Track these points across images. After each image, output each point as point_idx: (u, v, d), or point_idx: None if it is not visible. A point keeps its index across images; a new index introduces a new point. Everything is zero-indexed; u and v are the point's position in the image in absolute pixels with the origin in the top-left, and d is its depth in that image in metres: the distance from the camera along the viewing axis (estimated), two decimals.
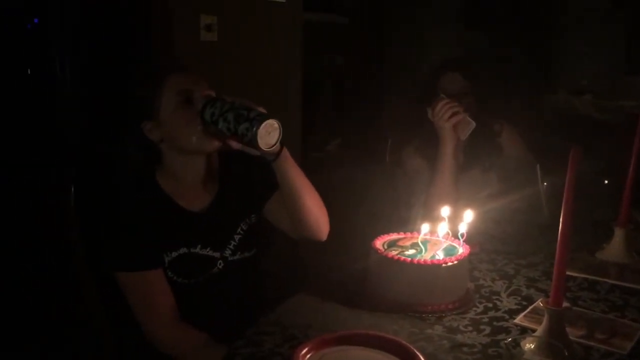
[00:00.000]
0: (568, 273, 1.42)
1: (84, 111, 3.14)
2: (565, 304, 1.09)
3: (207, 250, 1.47)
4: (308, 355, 1.02)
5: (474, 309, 1.30)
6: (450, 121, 1.92)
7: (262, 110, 1.33)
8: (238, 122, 1.30)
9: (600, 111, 3.43)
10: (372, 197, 2.36)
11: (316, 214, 1.52)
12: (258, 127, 1.28)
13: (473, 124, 1.92)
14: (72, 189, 1.50)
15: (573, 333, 1.16)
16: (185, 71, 1.47)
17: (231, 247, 1.51)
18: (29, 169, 3.03)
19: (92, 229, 1.45)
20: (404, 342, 1.06)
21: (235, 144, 1.38)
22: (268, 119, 1.30)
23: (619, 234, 1.60)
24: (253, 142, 1.30)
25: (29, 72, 3.25)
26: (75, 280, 1.52)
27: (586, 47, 3.60)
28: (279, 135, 1.33)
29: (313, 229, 1.53)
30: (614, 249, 1.60)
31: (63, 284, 1.91)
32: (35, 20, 3.25)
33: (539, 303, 1.28)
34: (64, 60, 3.14)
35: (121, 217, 1.42)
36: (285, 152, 1.41)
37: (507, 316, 1.27)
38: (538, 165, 1.86)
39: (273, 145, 1.33)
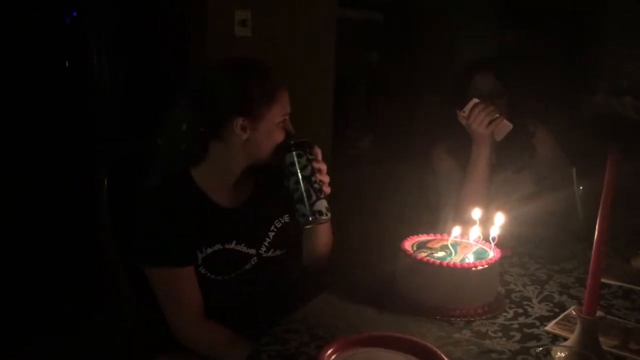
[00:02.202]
0: (602, 280, 1.38)
1: (120, 104, 3.19)
2: (599, 313, 1.06)
3: (242, 246, 1.48)
4: (333, 356, 1.02)
5: (504, 314, 1.28)
6: (489, 128, 1.88)
7: (327, 190, 1.44)
8: (305, 198, 1.41)
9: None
10: (402, 196, 2.34)
11: (323, 253, 1.62)
12: (311, 223, 1.43)
13: (510, 126, 1.88)
14: (106, 182, 1.52)
15: (606, 343, 1.13)
16: (286, 88, 1.48)
17: (266, 244, 1.52)
18: (64, 162, 3.09)
19: (125, 222, 1.47)
20: (431, 345, 1.05)
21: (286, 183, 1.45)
22: (325, 219, 1.43)
23: None
24: (300, 223, 1.44)
25: (66, 65, 3.30)
26: (107, 272, 1.54)
27: (627, 46, 3.51)
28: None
29: (313, 261, 1.64)
30: None
31: (95, 276, 1.94)
32: (74, 14, 3.31)
33: (572, 311, 1.26)
34: (102, 54, 3.18)
35: (155, 212, 1.42)
36: None
37: (538, 323, 1.24)
38: (574, 169, 1.81)
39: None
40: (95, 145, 3.10)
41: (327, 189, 1.44)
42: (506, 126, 1.89)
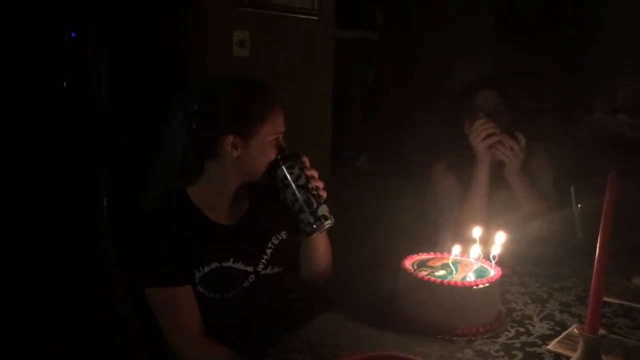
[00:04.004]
0: (604, 299, 1.38)
1: (118, 124, 3.20)
2: (601, 331, 1.06)
3: (239, 264, 1.47)
4: None
5: (506, 333, 1.27)
6: (485, 142, 1.90)
7: (324, 195, 1.43)
8: (306, 207, 1.41)
9: (636, 131, 3.36)
10: (401, 214, 2.34)
11: (324, 268, 1.63)
12: (317, 230, 1.42)
13: (516, 152, 1.90)
14: (105, 202, 1.52)
15: None
16: (282, 108, 1.48)
17: (264, 261, 1.51)
18: (62, 181, 3.09)
19: (125, 242, 1.46)
20: None
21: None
22: (331, 222, 1.42)
23: None
24: (306, 233, 1.43)
25: (64, 85, 3.32)
26: (108, 290, 1.53)
27: (624, 63, 3.54)
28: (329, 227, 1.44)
29: (314, 279, 1.64)
30: None
31: (97, 296, 1.93)
32: (73, 35, 3.33)
33: (574, 329, 1.25)
34: (100, 74, 3.20)
35: (152, 232, 1.42)
36: None
37: (539, 342, 1.24)
38: (572, 187, 1.82)
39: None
40: (94, 164, 3.11)
41: (324, 194, 1.45)
42: (511, 144, 1.91)
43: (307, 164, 1.47)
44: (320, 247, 1.59)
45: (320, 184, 1.46)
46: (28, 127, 3.12)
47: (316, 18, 3.00)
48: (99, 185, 1.58)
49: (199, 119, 1.43)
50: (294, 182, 1.42)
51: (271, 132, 1.44)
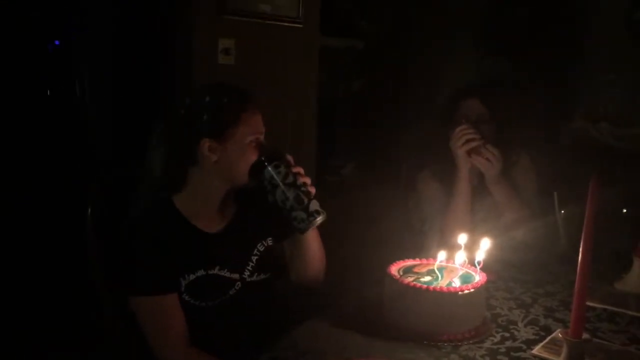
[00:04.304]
0: (587, 303, 1.39)
1: (102, 132, 3.18)
2: (585, 335, 1.07)
3: (225, 271, 1.46)
4: None
5: (491, 338, 1.28)
6: (464, 147, 1.92)
7: (313, 190, 1.43)
8: (297, 204, 1.39)
9: (617, 139, 3.41)
10: (387, 222, 2.35)
11: (318, 268, 1.62)
12: (312, 225, 1.41)
13: (492, 163, 1.92)
14: (89, 211, 1.51)
15: None
16: (258, 110, 1.48)
17: (249, 268, 1.51)
18: (45, 189, 3.06)
19: (109, 251, 1.45)
20: None
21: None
22: (323, 216, 1.41)
23: (638, 264, 1.57)
24: (300, 230, 1.43)
25: (48, 94, 3.30)
26: (94, 297, 1.52)
27: (605, 74, 3.59)
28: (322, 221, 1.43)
29: (310, 278, 1.63)
30: (633, 279, 1.58)
31: (80, 300, 1.92)
32: (57, 42, 3.31)
33: (558, 334, 1.26)
34: (84, 82, 3.18)
35: (138, 240, 1.41)
36: None
37: (524, 346, 1.25)
38: (555, 194, 1.84)
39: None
40: (79, 172, 3.08)
41: (313, 190, 1.44)
42: (487, 154, 1.92)
43: (292, 161, 1.46)
44: (313, 246, 1.58)
45: (308, 180, 1.44)
46: (12, 135, 3.10)
47: (301, 26, 3.01)
48: (85, 193, 1.57)
49: (174, 126, 1.45)
50: (281, 181, 1.41)
51: (247, 133, 1.44)
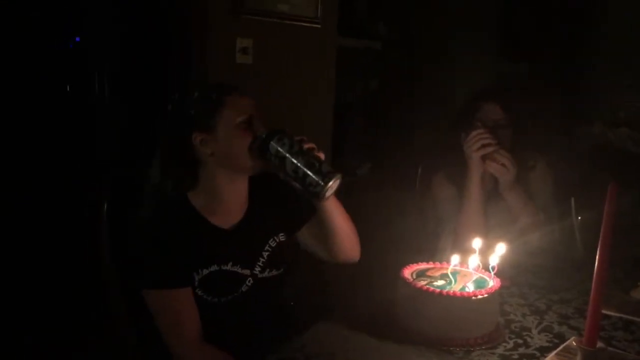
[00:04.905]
0: (602, 312, 1.38)
1: (120, 129, 3.20)
2: (600, 344, 1.05)
3: (237, 267, 1.47)
4: None
5: (504, 344, 1.27)
6: (479, 152, 1.90)
7: (323, 156, 1.38)
8: (308, 170, 1.34)
9: (636, 144, 3.36)
10: (401, 224, 2.34)
11: (351, 241, 1.59)
12: (328, 186, 1.34)
13: (508, 169, 1.90)
14: (106, 206, 1.52)
15: None
16: (246, 95, 1.48)
17: (260, 264, 1.51)
18: (64, 184, 3.09)
19: (124, 245, 1.46)
20: None
21: (287, 179, 1.39)
22: (338, 175, 1.35)
23: None
24: (318, 196, 1.36)
25: (68, 89, 3.33)
26: (105, 295, 1.53)
27: (624, 78, 3.54)
28: (338, 186, 1.38)
29: (347, 254, 1.60)
30: None
31: (92, 298, 1.93)
32: (77, 39, 3.34)
33: (572, 342, 1.25)
34: (103, 79, 3.21)
35: (153, 235, 1.42)
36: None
37: (537, 354, 1.23)
38: (572, 199, 1.82)
39: (329, 196, 1.39)
40: (96, 169, 3.11)
41: (321, 154, 1.40)
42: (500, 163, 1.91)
43: (296, 137, 1.41)
44: (338, 220, 1.53)
45: (314, 145, 1.41)
46: (30, 129, 3.13)
47: (319, 26, 3.02)
48: (100, 188, 1.58)
49: (168, 126, 1.47)
50: (288, 152, 1.35)
51: (232, 116, 1.42)
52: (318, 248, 1.62)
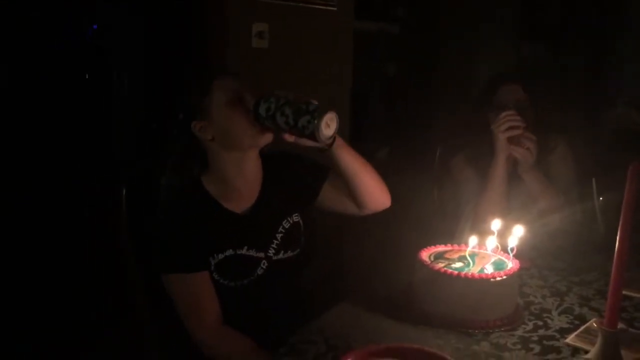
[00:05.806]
0: (624, 293, 1.36)
1: (138, 117, 3.22)
2: (621, 325, 1.04)
3: (252, 251, 1.48)
4: None
5: (523, 326, 1.26)
6: (506, 133, 1.88)
7: (316, 102, 1.35)
8: (298, 115, 1.32)
9: None
10: (420, 206, 2.33)
11: (377, 189, 1.57)
12: (320, 120, 1.31)
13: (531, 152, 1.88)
14: (124, 192, 1.54)
15: (628, 356, 1.10)
16: (234, 76, 1.50)
17: (274, 246, 1.52)
18: (83, 171, 3.12)
19: (143, 231, 1.48)
20: (448, 357, 1.04)
21: (288, 137, 1.39)
22: (328, 111, 1.32)
23: None
24: (315, 135, 1.32)
25: (86, 77, 3.36)
26: (124, 281, 1.55)
27: None
28: (337, 126, 1.36)
29: (375, 203, 1.59)
30: None
31: (112, 284, 1.95)
32: (95, 27, 3.36)
33: (593, 323, 1.23)
34: (121, 67, 3.23)
35: (170, 220, 1.44)
36: (339, 139, 1.45)
37: (557, 335, 1.22)
38: (594, 180, 1.79)
39: (331, 136, 1.37)
40: (114, 155, 3.13)
41: (312, 99, 1.37)
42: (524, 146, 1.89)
43: (282, 93, 1.40)
44: (354, 166, 1.51)
45: (302, 95, 1.39)
46: (49, 118, 3.17)
47: (335, 9, 2.99)
48: (118, 178, 1.60)
49: (171, 118, 1.50)
50: (275, 107, 1.35)
51: (221, 96, 1.44)
52: (345, 202, 1.59)
